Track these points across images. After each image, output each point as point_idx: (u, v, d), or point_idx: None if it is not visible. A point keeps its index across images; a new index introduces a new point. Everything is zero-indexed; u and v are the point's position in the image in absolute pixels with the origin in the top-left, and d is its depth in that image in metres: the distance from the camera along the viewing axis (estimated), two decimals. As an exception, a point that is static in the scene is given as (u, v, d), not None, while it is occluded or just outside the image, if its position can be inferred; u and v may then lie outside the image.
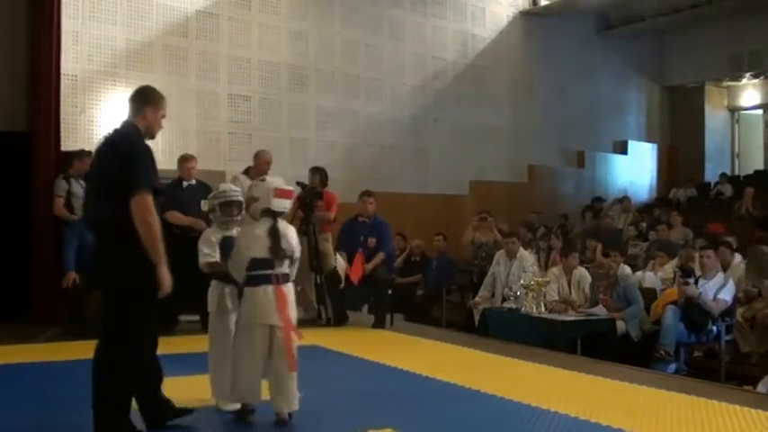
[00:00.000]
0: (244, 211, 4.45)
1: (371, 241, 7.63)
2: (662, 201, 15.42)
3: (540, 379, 5.31)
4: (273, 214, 4.13)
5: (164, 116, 3.87)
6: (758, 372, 6.10)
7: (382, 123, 12.31)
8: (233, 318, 4.29)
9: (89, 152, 7.76)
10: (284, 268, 4.08)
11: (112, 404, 3.59)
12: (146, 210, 3.50)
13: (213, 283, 4.44)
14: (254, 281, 4.04)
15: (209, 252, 4.40)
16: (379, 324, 7.54)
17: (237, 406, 4.17)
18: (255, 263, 4.04)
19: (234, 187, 4.75)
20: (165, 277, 3.58)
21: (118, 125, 3.83)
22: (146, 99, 3.82)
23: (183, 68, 10.28)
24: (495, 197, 12.90)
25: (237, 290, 4.27)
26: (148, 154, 3.65)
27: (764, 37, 15.06)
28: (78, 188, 7.43)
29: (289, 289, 4.10)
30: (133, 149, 3.60)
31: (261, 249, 4.03)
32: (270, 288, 4.01)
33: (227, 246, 4.33)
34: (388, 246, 7.82)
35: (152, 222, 3.52)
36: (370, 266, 7.52)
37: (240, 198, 4.53)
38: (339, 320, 7.62)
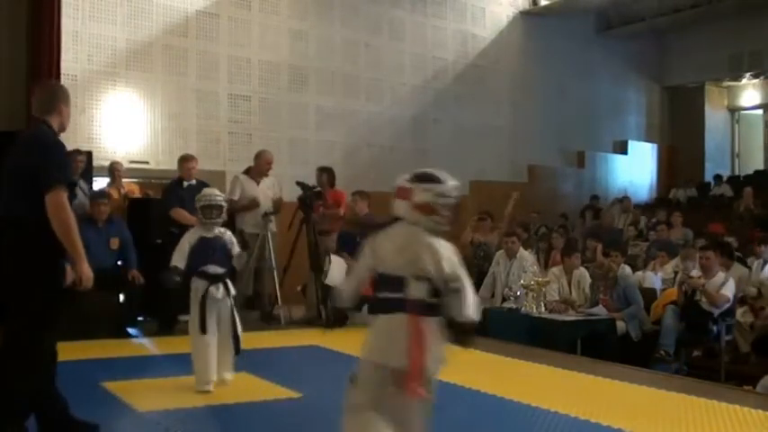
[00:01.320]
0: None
1: None
2: (662, 201, 15.43)
3: (540, 379, 5.31)
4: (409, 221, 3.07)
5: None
6: (758, 372, 6.09)
7: (382, 123, 12.31)
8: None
9: (79, 151, 7.76)
10: (422, 292, 2.95)
11: (7, 407, 3.49)
12: (59, 205, 3.47)
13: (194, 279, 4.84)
14: (379, 306, 3.16)
15: (177, 258, 4.85)
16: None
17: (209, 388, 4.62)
18: (383, 282, 3.12)
19: (216, 192, 5.14)
20: (85, 272, 3.58)
21: (33, 124, 3.81)
22: (61, 96, 3.83)
23: (183, 68, 10.28)
24: (495, 197, 12.89)
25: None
26: (64, 150, 3.67)
27: (764, 37, 15.05)
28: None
29: (429, 325, 2.98)
30: (49, 145, 3.60)
31: (392, 263, 3.04)
32: (400, 318, 2.99)
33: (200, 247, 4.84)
34: None
35: (66, 219, 3.48)
36: None
37: (222, 202, 4.99)
38: (339, 320, 7.59)
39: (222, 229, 5.04)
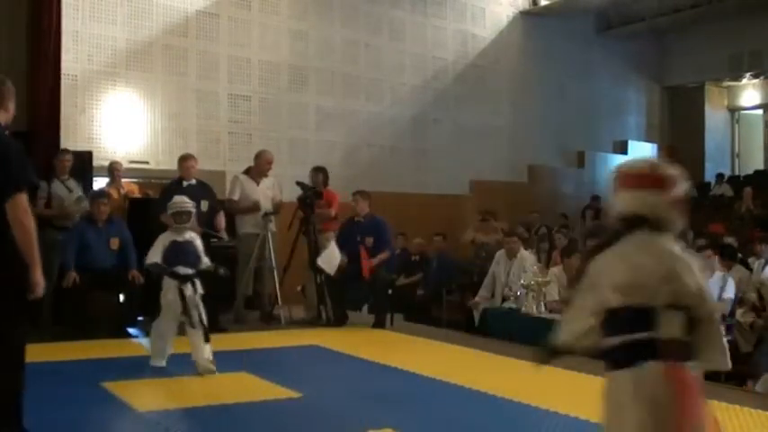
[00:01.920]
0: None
1: (369, 240, 7.62)
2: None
3: (540, 379, 5.31)
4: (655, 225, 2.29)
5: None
6: (758, 372, 6.08)
7: (382, 123, 12.31)
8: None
9: (68, 150, 7.68)
10: (676, 328, 2.18)
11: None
12: (21, 210, 3.33)
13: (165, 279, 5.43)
14: (616, 356, 2.26)
15: (153, 254, 5.46)
16: (379, 324, 7.54)
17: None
18: (617, 320, 2.24)
19: (186, 199, 5.67)
20: (38, 280, 3.40)
21: None
22: (6, 93, 3.76)
23: (183, 68, 10.28)
24: (495, 197, 12.90)
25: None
26: (23, 151, 3.53)
27: (764, 37, 15.06)
28: (62, 189, 7.33)
29: (692, 377, 2.22)
30: (8, 147, 3.47)
31: (635, 290, 2.20)
32: (652, 371, 2.16)
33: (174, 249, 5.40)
34: (387, 244, 7.79)
35: (27, 223, 3.35)
36: (375, 261, 7.53)
37: (191, 209, 5.59)
38: (339, 320, 7.63)
39: (194, 235, 5.68)
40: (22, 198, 3.35)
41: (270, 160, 8.01)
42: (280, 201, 8.04)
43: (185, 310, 5.31)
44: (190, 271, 5.44)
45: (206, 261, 5.64)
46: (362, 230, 7.69)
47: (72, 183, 7.45)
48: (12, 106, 3.73)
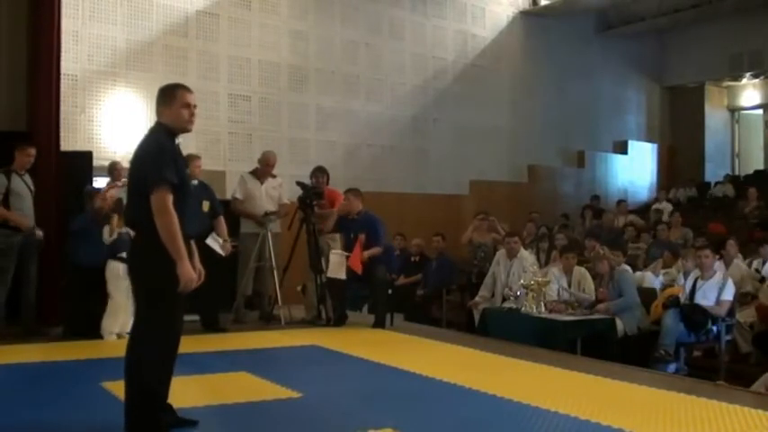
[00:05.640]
0: None
1: (362, 237, 7.61)
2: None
3: (540, 379, 5.31)
4: None
5: None
6: (758, 372, 6.09)
7: (382, 123, 12.31)
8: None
9: (32, 144, 7.15)
10: None
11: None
12: (160, 206, 3.55)
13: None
14: None
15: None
16: (378, 324, 7.54)
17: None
18: None
19: None
20: (185, 274, 3.58)
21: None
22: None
23: (183, 68, 10.27)
24: (495, 197, 12.91)
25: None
26: (163, 149, 3.68)
27: (764, 37, 15.06)
28: (20, 184, 6.83)
29: None
30: (152, 146, 3.71)
31: None
32: None
33: None
34: (379, 240, 7.73)
35: (166, 219, 3.55)
36: (366, 254, 7.50)
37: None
38: (339, 320, 7.63)
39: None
40: (161, 195, 3.51)
41: (270, 162, 8.00)
42: (284, 204, 8.04)
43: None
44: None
45: None
46: (356, 228, 7.68)
47: (28, 178, 7.02)
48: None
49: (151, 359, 3.64)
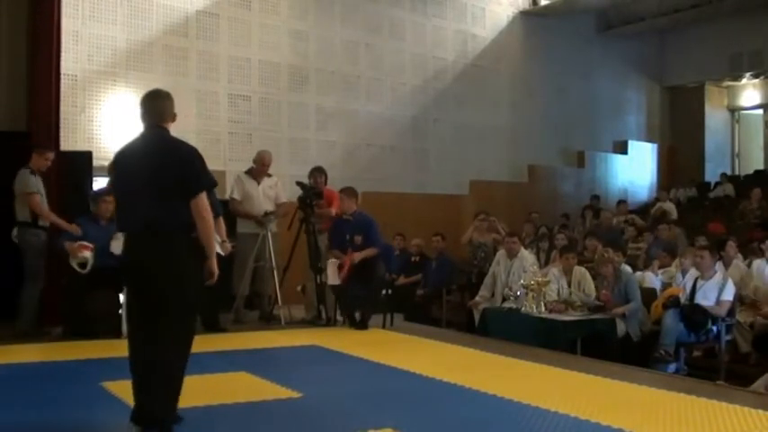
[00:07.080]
0: None
1: (357, 239, 7.55)
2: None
3: (540, 379, 5.31)
4: None
5: None
6: (758, 372, 6.09)
7: (382, 123, 12.32)
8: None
9: (50, 149, 7.26)
10: None
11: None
12: (203, 206, 3.94)
13: None
14: None
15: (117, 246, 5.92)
16: (362, 325, 7.40)
17: None
18: None
19: None
20: (214, 270, 3.88)
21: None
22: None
23: (183, 68, 10.28)
24: (495, 197, 12.91)
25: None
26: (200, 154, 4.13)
27: (764, 37, 15.07)
28: (40, 185, 6.93)
29: None
30: (188, 152, 4.22)
31: None
32: None
33: None
34: (375, 241, 7.66)
35: (208, 218, 3.93)
36: (358, 256, 7.43)
37: None
38: (362, 323, 7.48)
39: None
40: (204, 197, 3.93)
41: (265, 162, 7.98)
42: (283, 203, 8.01)
43: None
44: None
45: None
46: (351, 229, 7.58)
47: (40, 180, 7.04)
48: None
49: (184, 353, 3.77)
